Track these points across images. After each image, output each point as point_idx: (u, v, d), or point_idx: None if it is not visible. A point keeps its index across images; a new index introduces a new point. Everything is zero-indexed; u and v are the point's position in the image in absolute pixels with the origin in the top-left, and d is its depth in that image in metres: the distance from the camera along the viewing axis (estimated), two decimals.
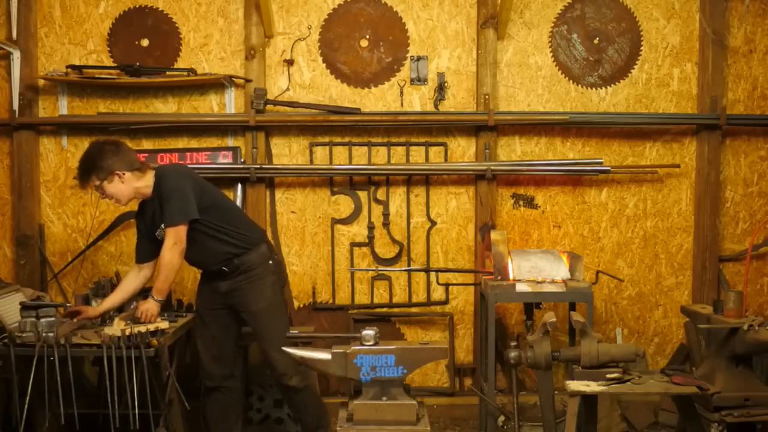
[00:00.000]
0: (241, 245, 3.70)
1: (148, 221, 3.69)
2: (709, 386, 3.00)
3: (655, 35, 4.83)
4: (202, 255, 3.71)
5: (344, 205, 4.80)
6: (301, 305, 4.81)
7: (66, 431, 3.66)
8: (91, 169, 3.55)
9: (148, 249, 3.74)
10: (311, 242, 4.79)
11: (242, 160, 4.67)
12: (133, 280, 3.78)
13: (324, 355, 3.05)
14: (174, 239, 3.52)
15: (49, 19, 4.67)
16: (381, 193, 4.79)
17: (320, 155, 4.75)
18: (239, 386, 3.97)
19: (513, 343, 3.24)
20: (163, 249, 3.54)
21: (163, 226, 3.57)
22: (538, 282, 4.02)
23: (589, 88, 4.83)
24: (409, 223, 4.80)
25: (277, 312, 3.78)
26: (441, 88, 4.75)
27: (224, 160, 4.66)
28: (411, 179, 4.79)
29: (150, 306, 3.57)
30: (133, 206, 4.68)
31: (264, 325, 3.71)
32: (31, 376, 3.21)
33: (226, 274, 3.70)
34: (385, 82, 4.77)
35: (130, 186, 3.60)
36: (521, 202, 4.85)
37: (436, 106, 4.76)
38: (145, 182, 3.63)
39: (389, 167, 4.71)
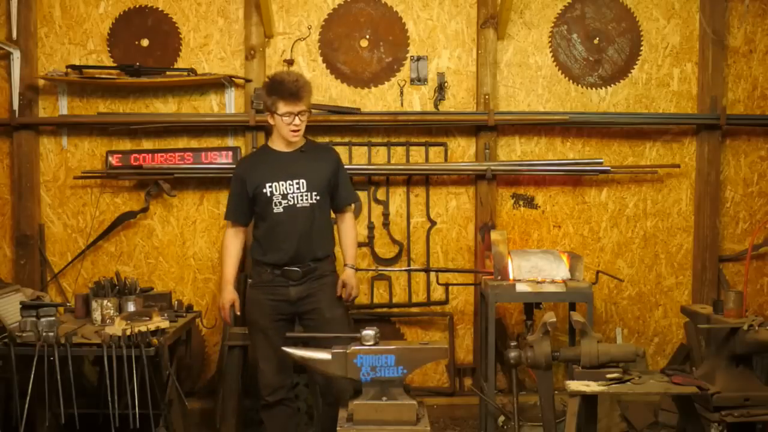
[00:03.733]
0: (332, 244, 3.73)
1: (277, 176, 3.56)
2: (709, 386, 3.00)
3: (655, 35, 4.83)
4: (313, 241, 3.57)
5: None
6: None
7: (66, 431, 3.66)
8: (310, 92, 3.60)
9: (249, 212, 3.65)
10: None
11: None
12: (238, 245, 3.72)
13: (324, 355, 3.04)
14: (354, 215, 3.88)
15: (49, 19, 4.67)
16: (381, 193, 4.79)
17: None
18: (294, 395, 3.82)
19: (513, 343, 3.24)
20: (351, 223, 3.77)
21: (344, 201, 3.73)
22: (538, 282, 4.02)
23: (589, 88, 4.83)
24: (409, 223, 4.80)
25: (347, 323, 3.74)
26: (441, 88, 4.75)
27: (224, 160, 4.66)
28: (411, 179, 4.79)
29: (354, 277, 3.70)
30: (133, 206, 4.71)
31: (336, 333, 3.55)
32: (31, 375, 3.21)
33: (300, 276, 3.54)
34: (385, 82, 4.77)
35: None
36: (521, 202, 4.85)
37: (436, 106, 4.77)
38: None
39: (389, 167, 4.71)
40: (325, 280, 3.62)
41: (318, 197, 3.57)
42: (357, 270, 3.77)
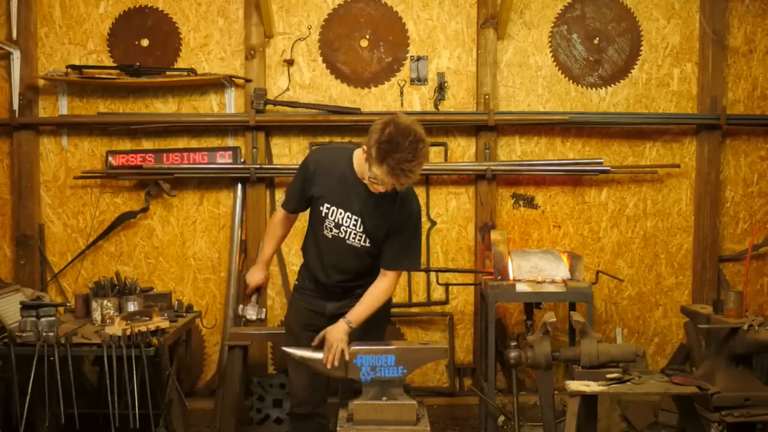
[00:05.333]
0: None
1: (339, 200, 3.10)
2: (709, 386, 3.00)
3: (655, 35, 4.83)
4: (358, 278, 3.20)
5: None
6: None
7: (66, 431, 3.66)
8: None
9: (305, 206, 3.22)
10: None
11: (242, 160, 4.67)
12: (284, 230, 3.33)
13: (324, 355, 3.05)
14: (396, 283, 3.17)
15: (49, 19, 4.67)
16: None
17: None
18: (327, 411, 3.44)
19: (513, 343, 3.24)
20: (384, 286, 3.13)
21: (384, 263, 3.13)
22: (538, 282, 4.02)
23: (589, 88, 4.83)
24: None
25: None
26: (441, 88, 4.75)
27: (224, 160, 4.66)
28: None
29: (343, 336, 3.04)
30: (133, 206, 4.71)
31: None
32: (31, 375, 3.22)
33: (340, 294, 3.22)
34: (385, 82, 4.77)
35: None
36: (521, 202, 4.85)
37: (436, 106, 4.76)
38: None
39: None
40: None
41: (369, 245, 3.12)
42: (351, 324, 3.07)
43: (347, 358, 3.02)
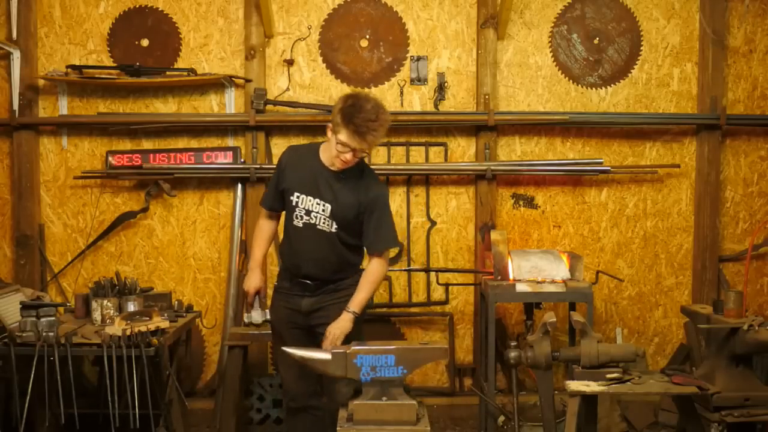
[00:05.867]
0: (357, 268, 3.40)
1: (307, 189, 3.29)
2: (709, 386, 3.00)
3: (655, 35, 4.83)
4: (332, 268, 3.32)
5: None
6: None
7: (66, 431, 3.66)
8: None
9: (282, 202, 3.38)
10: None
11: (242, 160, 4.67)
12: (271, 227, 3.51)
13: (324, 355, 3.04)
14: (384, 263, 3.32)
15: (49, 19, 4.67)
16: None
17: None
18: (324, 403, 3.48)
19: (513, 343, 3.24)
20: (374, 269, 3.29)
21: (368, 243, 3.32)
22: (538, 282, 4.02)
23: (589, 88, 4.83)
24: (409, 223, 4.80)
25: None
26: (441, 88, 4.75)
27: (224, 159, 4.66)
28: (411, 179, 4.79)
29: (344, 324, 3.21)
30: (133, 206, 4.71)
31: None
32: (31, 375, 3.21)
33: (314, 289, 3.32)
34: (385, 82, 4.77)
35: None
36: (521, 202, 4.85)
37: (436, 106, 4.77)
38: None
39: (389, 167, 4.71)
40: (341, 294, 3.32)
41: (338, 229, 3.26)
42: (352, 311, 3.23)
43: (341, 340, 3.18)
